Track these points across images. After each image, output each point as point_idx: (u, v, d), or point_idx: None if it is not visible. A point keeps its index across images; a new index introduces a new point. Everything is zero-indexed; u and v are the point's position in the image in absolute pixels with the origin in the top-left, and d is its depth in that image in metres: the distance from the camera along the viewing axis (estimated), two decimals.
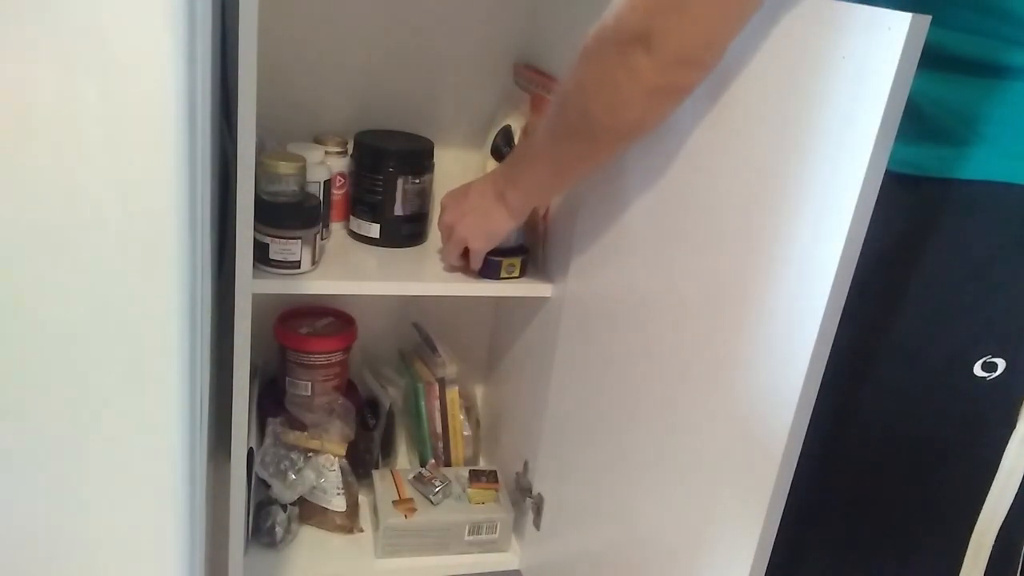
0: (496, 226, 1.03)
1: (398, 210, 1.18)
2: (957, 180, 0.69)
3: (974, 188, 0.69)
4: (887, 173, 0.61)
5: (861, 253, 0.63)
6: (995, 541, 0.74)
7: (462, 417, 1.37)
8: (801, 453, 0.69)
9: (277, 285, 1.04)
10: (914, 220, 0.72)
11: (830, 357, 0.66)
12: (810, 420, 0.69)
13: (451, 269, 1.14)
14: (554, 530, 1.18)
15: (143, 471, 0.58)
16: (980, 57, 0.68)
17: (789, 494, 0.70)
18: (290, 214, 1.03)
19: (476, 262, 1.11)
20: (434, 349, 1.34)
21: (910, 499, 0.76)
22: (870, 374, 0.75)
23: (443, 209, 1.09)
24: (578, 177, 0.97)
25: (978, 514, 0.74)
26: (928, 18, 0.57)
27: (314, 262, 1.07)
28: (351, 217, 1.20)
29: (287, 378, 1.28)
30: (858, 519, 0.79)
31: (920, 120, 0.70)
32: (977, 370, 0.71)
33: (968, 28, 0.68)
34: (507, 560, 1.28)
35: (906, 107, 0.59)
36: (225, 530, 1.07)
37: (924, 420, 0.74)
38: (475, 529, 1.25)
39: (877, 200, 0.62)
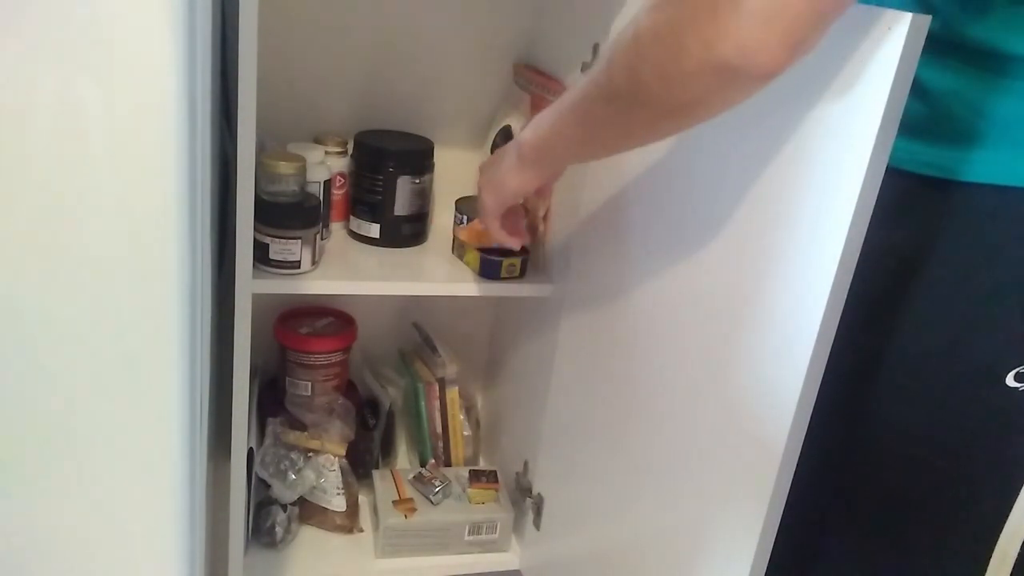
0: (503, 175, 0.87)
1: (398, 210, 1.18)
2: (987, 185, 0.67)
3: (1005, 194, 0.67)
4: (914, 176, 0.59)
5: (887, 259, 0.62)
6: (1020, 550, 0.73)
7: (462, 417, 1.37)
8: (826, 461, 0.68)
9: (277, 285, 1.04)
10: (943, 226, 0.70)
11: (857, 365, 0.64)
12: (837, 428, 0.67)
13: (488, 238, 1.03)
14: (554, 530, 1.18)
15: (143, 471, 0.58)
16: (1017, 54, 0.65)
17: (811, 502, 0.69)
18: (290, 214, 1.03)
19: (486, 222, 0.95)
20: (434, 349, 1.34)
21: (936, 508, 0.75)
22: (898, 383, 0.73)
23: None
24: (603, 148, 0.79)
25: (1004, 523, 0.73)
26: (928, 18, 0.57)
27: (314, 262, 1.07)
28: (351, 217, 1.20)
29: (287, 378, 1.28)
30: (882, 527, 0.78)
31: (950, 122, 0.68)
32: (1010, 380, 0.69)
33: (1011, 24, 0.65)
34: (507, 560, 1.28)
35: (937, 109, 0.56)
36: (225, 530, 1.07)
37: (954, 430, 0.72)
38: (475, 529, 1.25)
39: (905, 205, 0.60)
